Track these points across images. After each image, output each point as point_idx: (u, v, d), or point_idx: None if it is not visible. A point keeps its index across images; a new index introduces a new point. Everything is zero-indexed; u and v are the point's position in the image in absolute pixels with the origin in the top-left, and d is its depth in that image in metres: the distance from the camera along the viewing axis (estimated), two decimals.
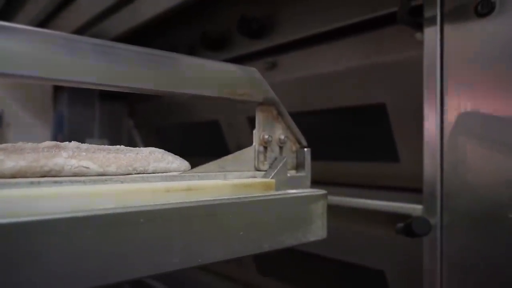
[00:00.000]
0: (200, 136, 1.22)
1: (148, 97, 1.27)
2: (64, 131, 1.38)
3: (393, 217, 0.57)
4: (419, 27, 0.54)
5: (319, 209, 0.38)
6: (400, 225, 0.53)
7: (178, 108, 1.22)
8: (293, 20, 0.76)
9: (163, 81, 0.33)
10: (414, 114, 0.57)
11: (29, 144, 0.30)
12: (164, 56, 0.33)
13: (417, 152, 0.54)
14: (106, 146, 0.33)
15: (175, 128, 1.31)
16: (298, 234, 0.37)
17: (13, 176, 0.28)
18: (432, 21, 0.51)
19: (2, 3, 1.10)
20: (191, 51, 0.98)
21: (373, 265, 0.73)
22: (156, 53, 0.32)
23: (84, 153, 0.31)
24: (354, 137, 0.79)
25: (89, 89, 0.29)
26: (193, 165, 0.37)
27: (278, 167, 0.40)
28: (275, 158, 0.41)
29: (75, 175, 0.30)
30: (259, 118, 0.40)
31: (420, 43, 0.53)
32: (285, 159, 0.41)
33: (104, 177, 0.30)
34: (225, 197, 0.33)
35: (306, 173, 0.43)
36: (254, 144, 0.40)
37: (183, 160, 0.38)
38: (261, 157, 0.40)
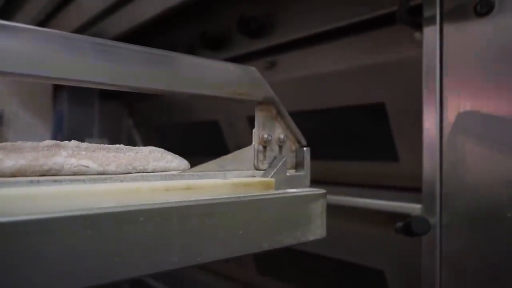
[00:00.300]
0: (199, 135, 1.22)
1: (147, 96, 1.27)
2: (64, 130, 1.38)
3: (392, 217, 0.57)
4: (419, 27, 0.54)
5: (319, 208, 0.39)
6: (399, 224, 0.53)
7: (177, 107, 1.22)
8: (292, 19, 0.76)
9: (163, 81, 0.33)
10: (414, 114, 0.57)
11: (29, 143, 0.30)
12: (164, 56, 0.33)
13: (417, 152, 0.54)
14: (106, 145, 0.33)
15: (175, 127, 1.31)
16: (297, 233, 0.37)
17: (13, 175, 0.28)
18: (431, 20, 0.51)
19: (2, 2, 1.10)
20: (191, 51, 0.98)
21: (372, 264, 0.73)
22: (155, 53, 0.32)
23: (83, 152, 0.31)
24: (353, 137, 0.79)
25: (88, 88, 0.29)
26: (193, 164, 0.37)
27: (278, 166, 0.40)
28: (275, 157, 0.41)
29: (74, 174, 0.30)
30: (258, 117, 0.40)
31: (420, 43, 0.54)
32: (284, 158, 0.41)
33: (103, 176, 0.30)
34: (225, 196, 0.33)
35: (305, 172, 0.43)
36: (253, 143, 0.40)
37: (183, 159, 0.38)
38: (261, 156, 0.40)
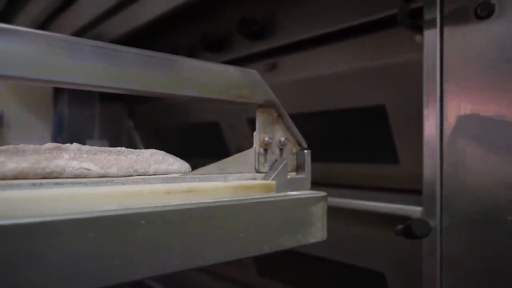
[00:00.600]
0: (200, 138, 1.22)
1: (148, 98, 1.27)
2: (64, 132, 1.38)
3: (392, 219, 0.57)
4: (419, 30, 0.54)
5: (319, 211, 0.39)
6: (400, 227, 0.53)
7: (178, 109, 1.23)
8: (293, 22, 0.76)
9: (163, 84, 0.33)
10: (414, 116, 0.57)
11: (31, 146, 0.30)
12: (164, 58, 0.33)
13: (417, 154, 0.54)
14: (107, 148, 0.33)
15: (175, 129, 1.31)
16: (298, 236, 0.37)
17: (15, 177, 0.28)
18: (432, 23, 0.52)
19: (3, 4, 1.10)
20: (191, 52, 0.98)
21: (372, 267, 0.73)
22: (156, 55, 0.32)
23: (85, 155, 0.31)
24: (354, 139, 0.79)
25: (89, 90, 0.30)
26: (194, 167, 0.37)
27: (279, 169, 0.40)
28: (276, 160, 0.41)
29: (76, 176, 0.30)
30: (259, 120, 0.40)
31: (420, 45, 0.54)
32: (285, 161, 0.41)
33: (105, 179, 0.30)
34: (226, 199, 0.33)
35: (306, 175, 0.43)
36: (254, 146, 0.40)
37: (184, 162, 0.38)
38: (262, 159, 0.40)
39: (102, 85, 0.30)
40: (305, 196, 0.38)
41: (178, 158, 0.37)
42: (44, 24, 1.11)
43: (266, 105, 0.40)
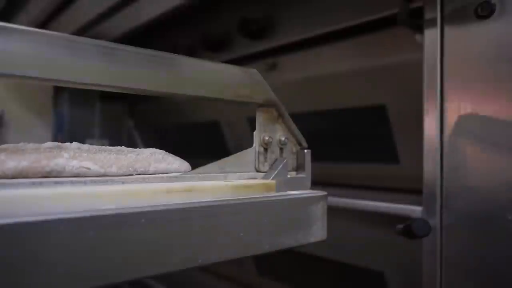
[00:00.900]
0: (200, 137, 1.22)
1: (148, 97, 1.27)
2: (64, 131, 1.38)
3: (393, 219, 0.57)
4: (420, 29, 0.54)
5: (319, 210, 0.38)
6: (400, 226, 0.53)
7: (178, 108, 1.23)
8: (293, 21, 0.76)
9: (164, 83, 0.33)
10: (415, 116, 0.57)
11: (31, 145, 0.30)
12: (165, 58, 0.33)
13: (417, 154, 0.54)
14: (107, 147, 0.33)
15: (175, 128, 1.31)
16: (298, 235, 0.37)
17: (15, 176, 0.28)
18: (432, 23, 0.52)
19: (3, 3, 1.10)
20: (192, 52, 0.98)
21: (372, 266, 0.73)
22: (156, 54, 0.32)
23: (85, 154, 0.31)
24: (354, 139, 0.79)
25: (89, 89, 0.29)
26: (194, 166, 0.37)
27: (279, 168, 0.40)
28: (276, 159, 0.41)
29: (76, 175, 0.30)
30: (259, 119, 0.40)
31: (421, 45, 0.54)
32: (285, 160, 0.41)
33: (105, 178, 0.30)
34: (226, 198, 0.33)
35: (306, 175, 0.43)
36: (254, 145, 0.40)
37: (184, 161, 0.38)
38: (262, 158, 0.40)
39: (102, 84, 0.30)
40: (305, 195, 0.38)
41: (178, 157, 0.37)
42: (43, 24, 1.11)
43: (266, 105, 0.40)
